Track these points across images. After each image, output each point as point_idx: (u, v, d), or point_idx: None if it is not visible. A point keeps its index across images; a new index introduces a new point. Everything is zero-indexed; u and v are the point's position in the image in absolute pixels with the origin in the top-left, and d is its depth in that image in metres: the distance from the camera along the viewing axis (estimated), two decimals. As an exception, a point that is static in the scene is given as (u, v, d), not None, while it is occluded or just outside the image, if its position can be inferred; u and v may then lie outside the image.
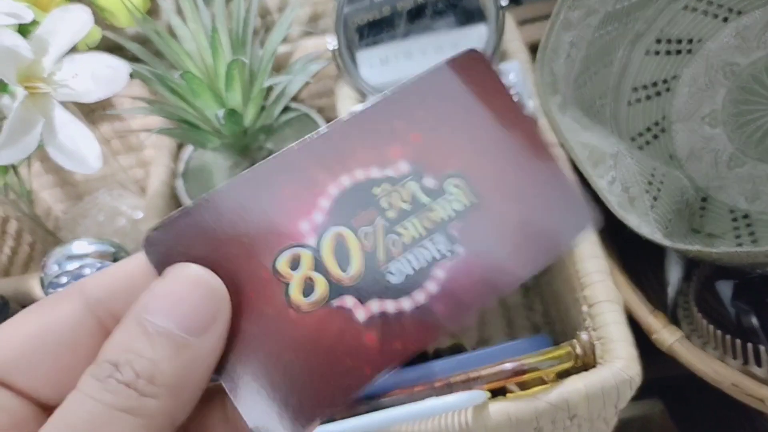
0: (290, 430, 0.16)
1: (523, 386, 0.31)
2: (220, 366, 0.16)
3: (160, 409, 0.15)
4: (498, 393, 0.31)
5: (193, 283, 0.15)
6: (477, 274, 0.17)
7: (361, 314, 0.17)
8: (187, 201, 0.47)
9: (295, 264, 0.17)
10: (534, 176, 0.19)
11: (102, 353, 0.15)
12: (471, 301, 0.17)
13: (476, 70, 0.19)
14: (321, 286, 0.17)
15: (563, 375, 0.31)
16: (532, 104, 0.34)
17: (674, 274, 0.42)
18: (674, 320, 0.39)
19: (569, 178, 0.19)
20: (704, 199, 0.46)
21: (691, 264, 0.42)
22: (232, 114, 0.42)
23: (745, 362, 0.36)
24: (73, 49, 0.37)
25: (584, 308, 0.34)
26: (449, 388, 0.31)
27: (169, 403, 0.15)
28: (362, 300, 0.17)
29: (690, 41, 0.46)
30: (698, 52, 0.46)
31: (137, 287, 0.16)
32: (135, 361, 0.15)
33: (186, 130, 0.45)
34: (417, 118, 0.18)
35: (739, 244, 0.43)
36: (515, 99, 0.19)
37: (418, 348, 0.17)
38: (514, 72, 0.35)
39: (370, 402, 0.32)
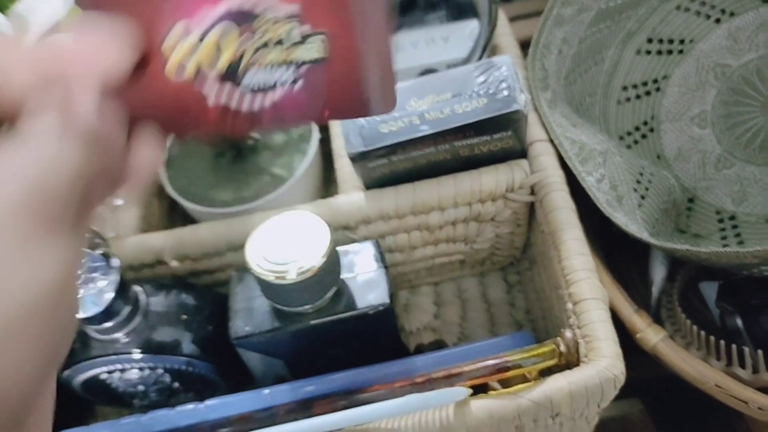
0: None
1: (506, 384, 0.31)
2: None
3: None
4: (480, 390, 0.30)
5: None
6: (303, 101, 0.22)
7: (211, 98, 0.22)
8: (169, 189, 0.46)
9: (184, 36, 0.21)
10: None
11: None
12: (290, 118, 0.22)
13: None
14: (193, 66, 0.21)
15: (546, 373, 0.30)
16: (523, 98, 0.34)
17: (658, 273, 0.42)
18: (657, 320, 0.39)
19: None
20: (691, 200, 0.46)
21: (676, 264, 0.42)
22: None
23: (729, 364, 0.36)
24: (55, 29, 0.36)
25: (569, 305, 0.33)
26: (431, 384, 0.31)
27: None
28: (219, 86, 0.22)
29: (682, 41, 0.46)
30: (689, 52, 0.46)
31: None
32: None
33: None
34: None
35: (725, 246, 0.43)
36: None
37: (243, 131, 0.23)
38: (506, 66, 0.34)
39: (351, 397, 0.31)
